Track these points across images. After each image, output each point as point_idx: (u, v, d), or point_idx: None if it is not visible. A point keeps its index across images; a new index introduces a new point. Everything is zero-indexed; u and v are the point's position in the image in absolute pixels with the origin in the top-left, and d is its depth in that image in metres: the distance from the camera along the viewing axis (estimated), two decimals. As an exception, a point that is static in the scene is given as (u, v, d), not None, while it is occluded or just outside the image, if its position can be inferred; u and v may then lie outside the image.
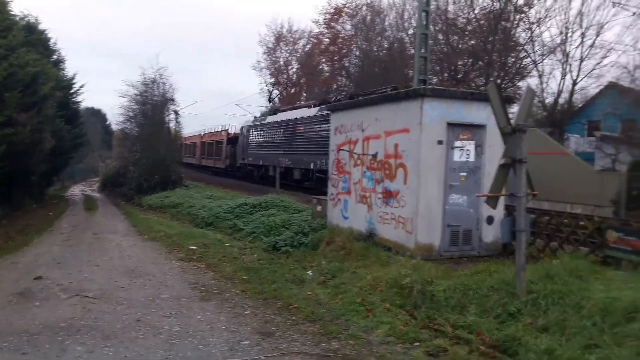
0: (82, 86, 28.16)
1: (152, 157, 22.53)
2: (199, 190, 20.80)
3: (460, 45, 25.95)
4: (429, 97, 8.01)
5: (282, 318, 5.74)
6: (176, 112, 26.60)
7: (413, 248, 7.66)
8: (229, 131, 33.09)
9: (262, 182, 22.48)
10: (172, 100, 25.65)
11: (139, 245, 11.01)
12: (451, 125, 7.94)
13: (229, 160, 31.15)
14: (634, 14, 18.36)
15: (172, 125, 26.73)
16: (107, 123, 59.60)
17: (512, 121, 5.62)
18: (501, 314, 5.08)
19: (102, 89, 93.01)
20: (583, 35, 23.16)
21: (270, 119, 24.83)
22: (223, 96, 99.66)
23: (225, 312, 6.04)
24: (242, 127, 29.06)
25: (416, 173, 7.87)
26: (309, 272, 7.64)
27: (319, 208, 10.74)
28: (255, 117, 30.91)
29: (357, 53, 36.43)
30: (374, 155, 8.99)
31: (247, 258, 8.98)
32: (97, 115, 60.04)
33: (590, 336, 4.46)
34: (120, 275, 7.98)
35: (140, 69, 42.72)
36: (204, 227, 12.65)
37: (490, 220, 7.96)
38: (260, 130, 25.45)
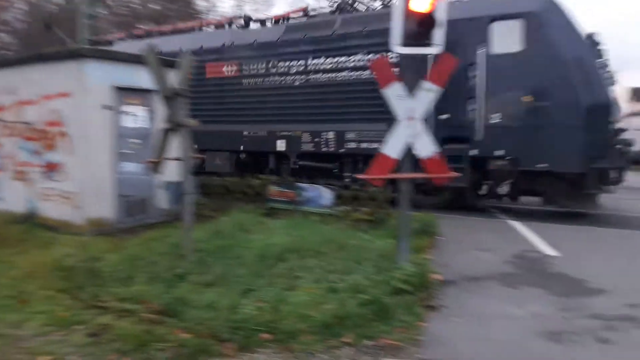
0: None
1: None
2: None
3: (142, 9, 24.91)
4: (92, 58, 7.29)
5: None
6: None
7: (82, 224, 6.95)
8: None
9: None
10: None
11: None
12: (119, 90, 7.45)
13: None
14: None
15: None
16: None
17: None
18: (170, 278, 5.08)
19: None
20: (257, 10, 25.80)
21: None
22: None
23: None
24: None
25: (81, 142, 7.12)
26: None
27: (-41, 191, 8.62)
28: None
29: (23, 7, 30.69)
30: (30, 123, 7.69)
31: None
32: None
33: (247, 282, 4.91)
34: None
35: None
36: None
37: (167, 186, 7.92)
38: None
